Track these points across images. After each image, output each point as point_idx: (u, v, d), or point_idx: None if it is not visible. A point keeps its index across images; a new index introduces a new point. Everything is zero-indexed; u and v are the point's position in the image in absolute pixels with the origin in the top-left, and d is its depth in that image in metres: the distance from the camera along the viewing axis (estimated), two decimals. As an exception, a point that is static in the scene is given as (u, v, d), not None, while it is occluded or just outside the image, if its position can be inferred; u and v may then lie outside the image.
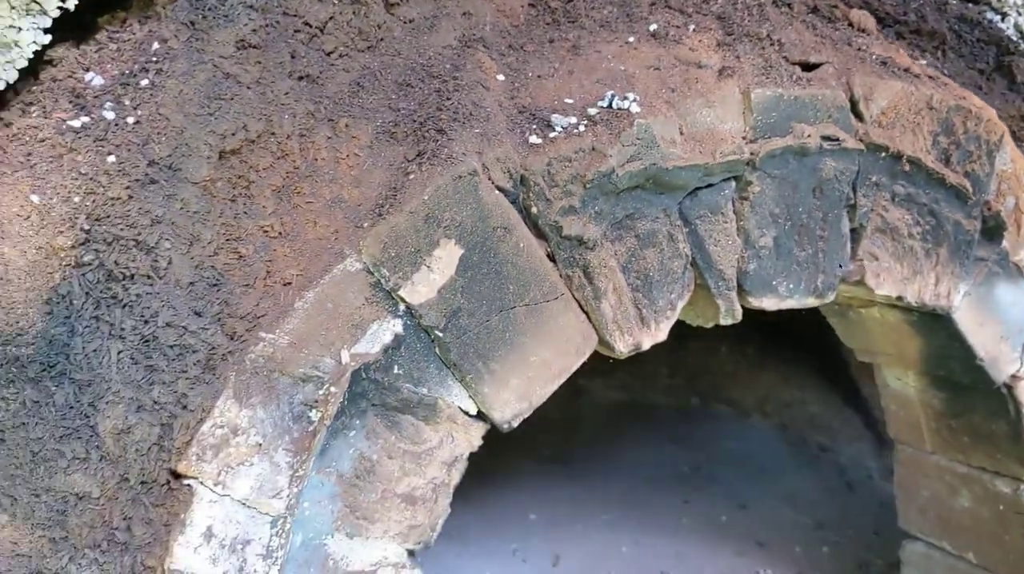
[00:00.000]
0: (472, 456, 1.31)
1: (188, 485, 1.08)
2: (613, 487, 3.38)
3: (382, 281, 1.15)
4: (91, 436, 1.09)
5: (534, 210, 1.25)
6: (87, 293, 1.09)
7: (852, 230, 1.56)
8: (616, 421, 3.94)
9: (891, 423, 2.23)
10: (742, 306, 1.49)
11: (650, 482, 3.44)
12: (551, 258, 1.28)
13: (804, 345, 3.83)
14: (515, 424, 1.30)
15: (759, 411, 4.03)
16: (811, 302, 1.56)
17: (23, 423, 1.09)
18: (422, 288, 1.17)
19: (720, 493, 3.37)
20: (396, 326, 1.17)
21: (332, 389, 1.12)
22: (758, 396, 4.06)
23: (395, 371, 1.18)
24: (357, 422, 1.17)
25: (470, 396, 1.25)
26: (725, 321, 1.50)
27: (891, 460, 2.34)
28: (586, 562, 2.86)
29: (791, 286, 1.51)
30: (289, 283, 1.16)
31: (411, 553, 1.25)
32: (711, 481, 3.48)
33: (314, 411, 1.11)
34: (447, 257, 1.18)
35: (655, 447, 3.74)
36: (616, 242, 1.31)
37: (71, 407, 1.09)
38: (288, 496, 1.11)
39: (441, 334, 1.19)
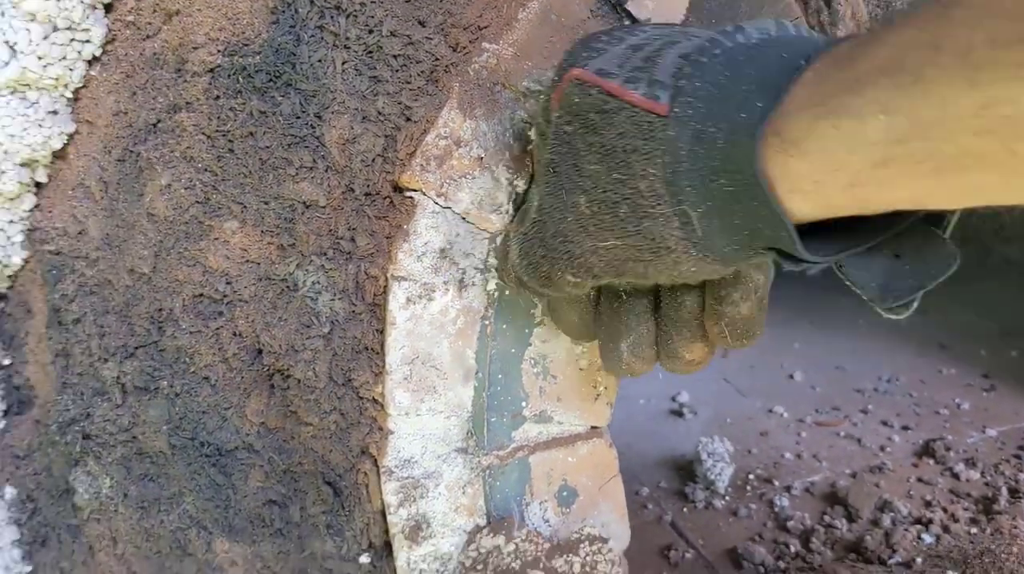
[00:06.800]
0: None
1: (411, 197, 1.08)
2: (785, 289, 3.30)
3: (608, -9, 1.09)
4: (317, 146, 1.10)
5: (774, -80, 1.15)
6: (312, 1, 1.08)
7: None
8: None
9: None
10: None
11: (825, 286, 3.34)
12: (788, -23, 1.18)
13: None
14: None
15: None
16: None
17: (251, 133, 1.10)
18: (649, 2, 1.10)
19: (900, 298, 3.24)
20: (621, 44, 1.11)
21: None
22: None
23: (617, 94, 1.13)
24: (576, 144, 1.12)
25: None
26: None
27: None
28: (755, 353, 2.84)
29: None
30: (512, -6, 1.11)
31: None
32: (891, 286, 3.35)
33: (534, 129, 1.09)
34: (678, -31, 1.10)
35: (833, 250, 3.62)
36: (860, -38, 1.20)
37: (297, 117, 1.09)
38: (506, 212, 1.10)
39: (667, 54, 1.12)
